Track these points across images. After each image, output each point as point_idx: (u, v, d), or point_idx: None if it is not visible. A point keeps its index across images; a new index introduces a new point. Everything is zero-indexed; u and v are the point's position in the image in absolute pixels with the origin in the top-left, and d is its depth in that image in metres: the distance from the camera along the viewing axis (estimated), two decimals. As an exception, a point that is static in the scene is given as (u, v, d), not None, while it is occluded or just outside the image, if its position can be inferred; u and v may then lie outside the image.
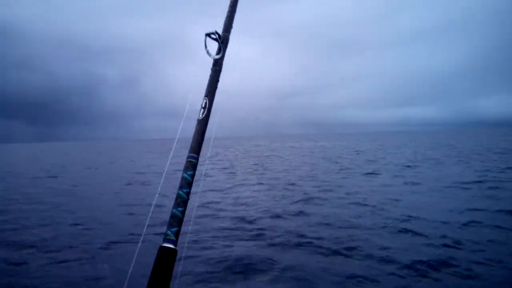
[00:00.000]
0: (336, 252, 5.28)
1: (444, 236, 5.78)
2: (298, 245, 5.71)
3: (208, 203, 9.38)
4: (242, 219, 7.48)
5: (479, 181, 11.81)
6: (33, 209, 9.17)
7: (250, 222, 7.23)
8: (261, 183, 12.95)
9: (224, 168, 19.59)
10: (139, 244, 1.64)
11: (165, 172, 1.67)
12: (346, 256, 5.14)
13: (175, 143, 1.72)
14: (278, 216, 7.63)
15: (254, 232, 6.45)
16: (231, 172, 17.43)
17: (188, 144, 1.61)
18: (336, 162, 21.52)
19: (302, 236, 6.09)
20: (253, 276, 4.54)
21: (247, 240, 6.04)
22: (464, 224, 6.51)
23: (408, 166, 17.12)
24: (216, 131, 1.72)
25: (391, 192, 10.12)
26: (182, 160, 1.57)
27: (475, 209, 7.72)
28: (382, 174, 14.41)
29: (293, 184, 12.53)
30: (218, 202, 9.55)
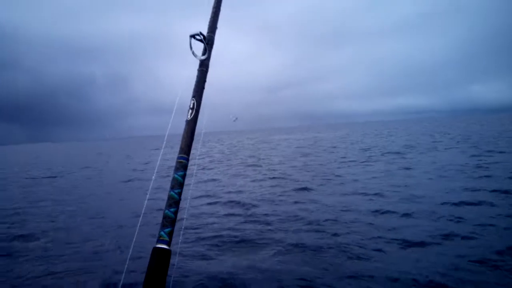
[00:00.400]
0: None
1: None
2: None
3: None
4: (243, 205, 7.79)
5: (465, 164, 12.46)
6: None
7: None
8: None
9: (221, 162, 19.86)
10: (131, 249, 1.65)
11: (154, 174, 1.68)
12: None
13: (163, 145, 1.73)
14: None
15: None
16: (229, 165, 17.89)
17: (177, 142, 1.62)
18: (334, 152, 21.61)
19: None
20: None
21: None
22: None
23: (398, 153, 17.80)
24: (204, 130, 1.73)
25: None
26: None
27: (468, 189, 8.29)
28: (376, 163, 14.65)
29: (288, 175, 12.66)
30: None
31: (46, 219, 8.08)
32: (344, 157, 17.66)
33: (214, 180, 12.65)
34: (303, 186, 9.98)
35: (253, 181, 11.81)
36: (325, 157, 18.61)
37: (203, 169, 16.12)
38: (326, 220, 6.36)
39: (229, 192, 9.92)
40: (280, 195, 8.90)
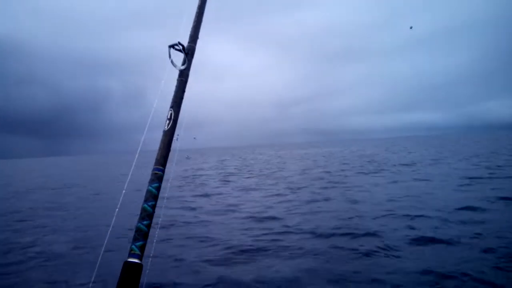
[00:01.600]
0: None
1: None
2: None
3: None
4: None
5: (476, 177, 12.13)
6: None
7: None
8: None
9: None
10: (99, 259, 1.61)
11: (125, 188, 1.64)
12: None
13: (136, 156, 1.69)
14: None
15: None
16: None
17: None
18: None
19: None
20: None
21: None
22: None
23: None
24: (180, 143, 1.69)
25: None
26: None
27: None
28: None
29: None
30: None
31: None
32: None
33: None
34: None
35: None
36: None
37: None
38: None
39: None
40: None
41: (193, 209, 9.56)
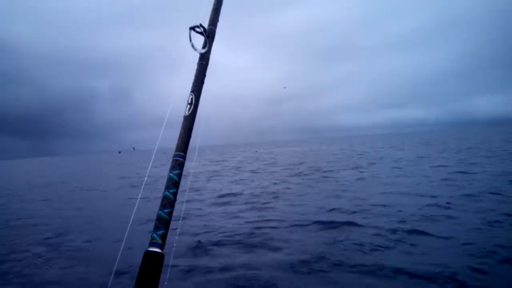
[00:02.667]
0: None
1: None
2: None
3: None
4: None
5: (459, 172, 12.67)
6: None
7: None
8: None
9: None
10: (121, 249, 1.54)
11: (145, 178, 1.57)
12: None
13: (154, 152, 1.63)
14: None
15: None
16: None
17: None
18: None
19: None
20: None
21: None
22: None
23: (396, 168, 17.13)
24: (203, 129, 1.63)
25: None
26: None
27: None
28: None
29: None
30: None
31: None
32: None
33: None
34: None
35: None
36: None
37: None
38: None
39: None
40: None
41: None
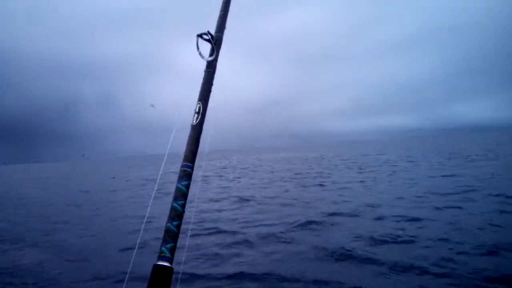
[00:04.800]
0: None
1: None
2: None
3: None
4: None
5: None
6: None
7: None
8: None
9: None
10: (131, 264, 1.50)
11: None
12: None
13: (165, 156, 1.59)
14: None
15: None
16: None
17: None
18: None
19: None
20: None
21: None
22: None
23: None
24: (211, 138, 1.60)
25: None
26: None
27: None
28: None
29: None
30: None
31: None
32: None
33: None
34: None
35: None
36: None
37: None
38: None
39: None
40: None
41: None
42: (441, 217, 7.17)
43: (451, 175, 14.11)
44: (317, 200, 10.26)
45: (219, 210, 9.60)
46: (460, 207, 7.97)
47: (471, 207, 7.93)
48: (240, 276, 4.54)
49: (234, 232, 6.88)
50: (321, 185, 13.84)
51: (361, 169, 20.25)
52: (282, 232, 6.60)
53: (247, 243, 6.11)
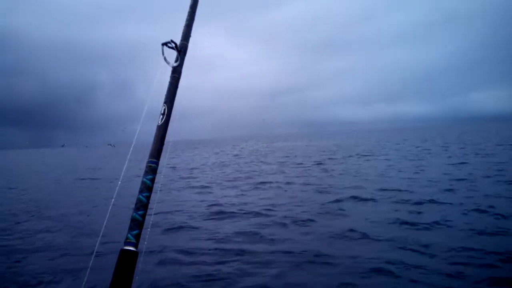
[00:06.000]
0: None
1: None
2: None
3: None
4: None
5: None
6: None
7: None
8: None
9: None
10: (96, 247, 1.69)
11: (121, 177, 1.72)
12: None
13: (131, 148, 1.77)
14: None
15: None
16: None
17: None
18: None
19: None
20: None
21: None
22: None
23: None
24: (173, 137, 1.77)
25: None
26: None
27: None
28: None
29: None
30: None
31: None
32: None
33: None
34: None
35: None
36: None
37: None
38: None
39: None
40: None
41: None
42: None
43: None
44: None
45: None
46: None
47: None
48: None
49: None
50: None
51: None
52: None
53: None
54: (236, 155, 33.94)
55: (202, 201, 10.01)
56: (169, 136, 1.72)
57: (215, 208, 8.79)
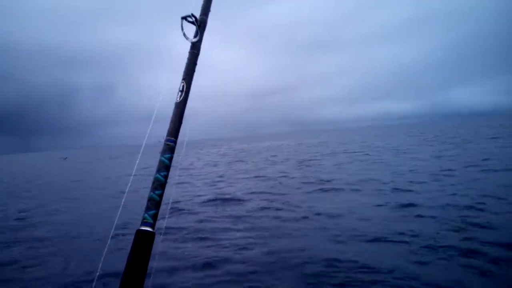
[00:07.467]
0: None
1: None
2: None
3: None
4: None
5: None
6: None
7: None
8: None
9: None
10: (112, 230, 1.62)
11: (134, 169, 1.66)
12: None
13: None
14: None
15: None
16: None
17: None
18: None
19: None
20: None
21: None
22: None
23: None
24: (192, 120, 1.70)
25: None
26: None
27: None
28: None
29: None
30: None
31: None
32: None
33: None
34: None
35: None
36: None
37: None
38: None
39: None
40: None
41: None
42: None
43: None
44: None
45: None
46: None
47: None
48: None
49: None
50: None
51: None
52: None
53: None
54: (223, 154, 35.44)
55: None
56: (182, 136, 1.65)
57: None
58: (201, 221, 7.32)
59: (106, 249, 1.65)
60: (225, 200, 9.77)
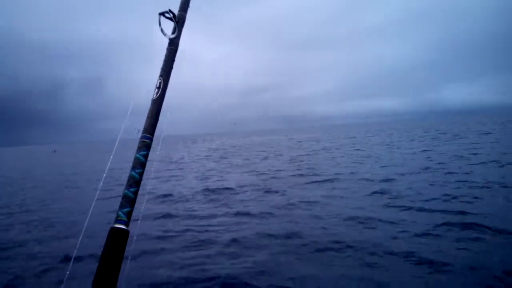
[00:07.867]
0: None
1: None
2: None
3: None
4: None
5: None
6: None
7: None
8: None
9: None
10: (85, 225, 1.60)
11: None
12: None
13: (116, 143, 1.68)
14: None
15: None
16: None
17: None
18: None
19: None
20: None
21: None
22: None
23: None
24: (169, 117, 1.68)
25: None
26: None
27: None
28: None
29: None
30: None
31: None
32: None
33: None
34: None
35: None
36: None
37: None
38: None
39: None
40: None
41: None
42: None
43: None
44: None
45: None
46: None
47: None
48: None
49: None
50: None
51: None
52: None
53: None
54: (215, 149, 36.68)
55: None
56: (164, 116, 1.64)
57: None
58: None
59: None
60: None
